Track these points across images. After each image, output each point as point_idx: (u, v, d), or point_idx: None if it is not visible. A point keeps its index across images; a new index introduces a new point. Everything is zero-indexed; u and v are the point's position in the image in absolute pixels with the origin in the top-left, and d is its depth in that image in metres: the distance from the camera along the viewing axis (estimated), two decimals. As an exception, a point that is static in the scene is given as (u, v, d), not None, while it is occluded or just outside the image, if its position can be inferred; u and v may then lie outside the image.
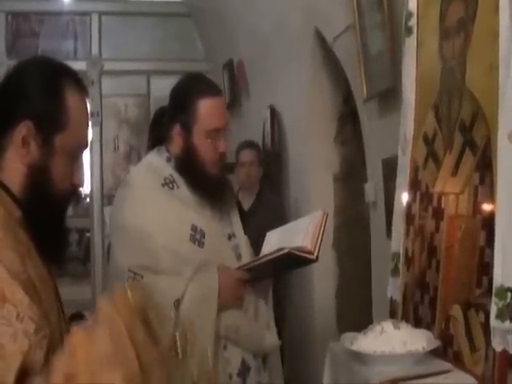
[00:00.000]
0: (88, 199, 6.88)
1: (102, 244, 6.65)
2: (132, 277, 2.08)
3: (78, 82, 1.44)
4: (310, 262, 2.14)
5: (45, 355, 1.20)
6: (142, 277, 2.08)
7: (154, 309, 1.34)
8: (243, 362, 2.22)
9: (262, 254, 2.24)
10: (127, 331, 1.23)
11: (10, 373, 1.16)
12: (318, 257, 2.09)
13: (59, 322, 1.38)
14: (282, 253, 2.07)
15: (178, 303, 2.07)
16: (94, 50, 7.00)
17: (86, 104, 1.45)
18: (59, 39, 6.98)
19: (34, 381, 1.17)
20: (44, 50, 6.77)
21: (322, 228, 2.15)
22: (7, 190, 1.37)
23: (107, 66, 6.97)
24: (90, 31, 7.02)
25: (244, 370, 2.22)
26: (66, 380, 1.17)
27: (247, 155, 4.47)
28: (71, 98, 1.40)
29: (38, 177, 1.38)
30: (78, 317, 1.60)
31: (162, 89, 6.36)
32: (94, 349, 1.19)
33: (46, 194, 1.39)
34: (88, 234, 6.90)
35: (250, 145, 4.57)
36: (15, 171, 1.38)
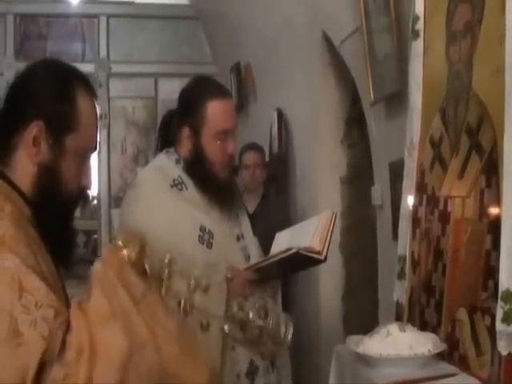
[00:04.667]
0: (95, 201, 6.90)
1: (109, 246, 6.66)
2: None
3: (87, 84, 1.46)
4: (318, 262, 2.12)
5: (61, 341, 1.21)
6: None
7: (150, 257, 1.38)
8: (251, 362, 2.22)
9: (270, 255, 2.23)
10: (120, 281, 1.27)
11: (32, 358, 1.16)
12: (326, 257, 2.07)
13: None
14: (289, 253, 2.05)
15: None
16: (102, 53, 7.03)
17: (95, 107, 1.47)
18: (67, 41, 7.01)
19: (53, 368, 1.18)
20: (52, 53, 6.80)
21: (331, 228, 2.13)
22: (17, 189, 1.38)
23: (115, 68, 7.00)
24: (98, 34, 7.05)
25: (252, 370, 2.22)
26: (77, 353, 1.18)
27: (251, 157, 4.46)
28: (81, 99, 1.42)
29: (48, 177, 1.40)
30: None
31: (170, 91, 6.44)
32: (90, 310, 1.23)
33: (55, 193, 1.40)
34: (95, 236, 6.92)
35: (253, 147, 4.55)
36: (25, 171, 1.39)
